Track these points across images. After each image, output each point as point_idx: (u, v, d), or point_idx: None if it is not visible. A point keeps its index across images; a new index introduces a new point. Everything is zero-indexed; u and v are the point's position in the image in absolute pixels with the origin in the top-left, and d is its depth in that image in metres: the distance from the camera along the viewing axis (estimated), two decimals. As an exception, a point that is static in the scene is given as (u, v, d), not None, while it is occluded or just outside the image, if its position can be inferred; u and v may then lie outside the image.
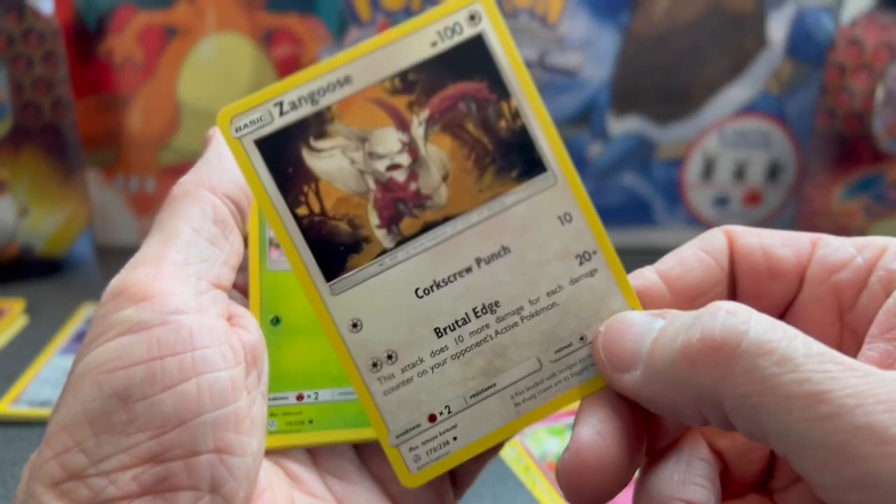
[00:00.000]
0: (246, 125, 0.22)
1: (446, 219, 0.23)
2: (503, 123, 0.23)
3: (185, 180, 0.24)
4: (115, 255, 0.67)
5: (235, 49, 0.58)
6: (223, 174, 0.25)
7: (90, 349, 0.21)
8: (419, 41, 0.23)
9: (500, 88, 0.23)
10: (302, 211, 0.23)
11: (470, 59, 0.23)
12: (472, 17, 0.23)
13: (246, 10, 0.57)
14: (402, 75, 0.23)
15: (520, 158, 0.23)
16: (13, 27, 0.53)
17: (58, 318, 0.52)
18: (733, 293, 0.24)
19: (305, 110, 0.23)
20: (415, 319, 0.23)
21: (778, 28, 0.58)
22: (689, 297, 0.23)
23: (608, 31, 0.58)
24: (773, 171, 0.62)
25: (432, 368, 0.23)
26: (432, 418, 0.23)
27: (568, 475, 0.21)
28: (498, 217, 0.23)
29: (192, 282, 0.22)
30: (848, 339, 0.23)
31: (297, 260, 0.23)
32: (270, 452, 0.25)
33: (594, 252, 0.24)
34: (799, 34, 0.58)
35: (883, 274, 0.22)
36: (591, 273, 0.23)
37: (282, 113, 0.22)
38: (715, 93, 0.60)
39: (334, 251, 0.23)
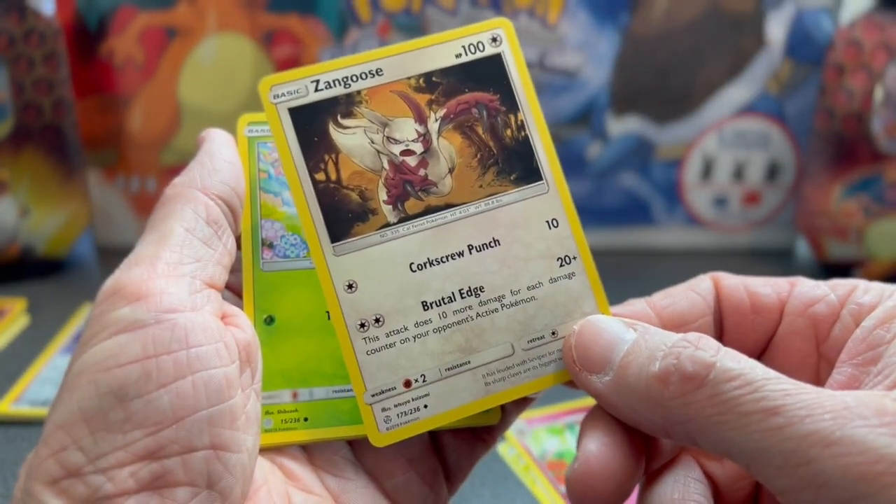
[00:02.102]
0: (284, 94, 0.25)
1: (448, 206, 0.26)
2: (509, 132, 0.26)
3: (178, 181, 0.25)
4: (116, 256, 0.67)
5: (236, 50, 0.58)
6: (215, 175, 0.25)
7: (86, 348, 0.21)
8: (447, 51, 0.26)
9: (510, 102, 0.26)
10: (320, 176, 0.25)
11: (488, 73, 0.26)
12: (494, 39, 0.26)
13: (246, 11, 0.57)
14: (427, 76, 0.26)
15: (520, 165, 0.26)
16: (14, 28, 0.53)
17: (59, 317, 0.52)
18: (720, 330, 0.26)
19: (337, 91, 0.26)
20: (405, 290, 0.25)
21: (777, 28, 0.58)
22: (675, 326, 0.25)
23: (607, 31, 0.58)
24: (772, 172, 0.62)
25: (414, 338, 0.25)
26: (408, 384, 0.25)
27: (577, 484, 0.22)
28: (493, 212, 0.26)
29: (186, 281, 0.22)
30: (824, 367, 0.25)
31: (308, 219, 0.25)
32: (266, 450, 0.25)
33: (574, 257, 0.26)
34: (798, 35, 0.59)
35: (854, 308, 0.24)
36: (570, 276, 0.26)
37: (317, 89, 0.25)
38: (714, 93, 0.60)
39: (342, 217, 0.25)
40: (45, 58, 0.54)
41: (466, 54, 0.26)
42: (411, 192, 0.25)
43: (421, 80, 0.26)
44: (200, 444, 0.21)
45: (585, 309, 0.25)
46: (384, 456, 0.26)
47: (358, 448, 0.27)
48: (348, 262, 0.25)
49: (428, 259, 0.25)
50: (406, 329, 0.25)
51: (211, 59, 0.58)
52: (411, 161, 0.26)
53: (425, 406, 0.25)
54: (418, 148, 0.26)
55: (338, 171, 0.25)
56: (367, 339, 0.24)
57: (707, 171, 0.62)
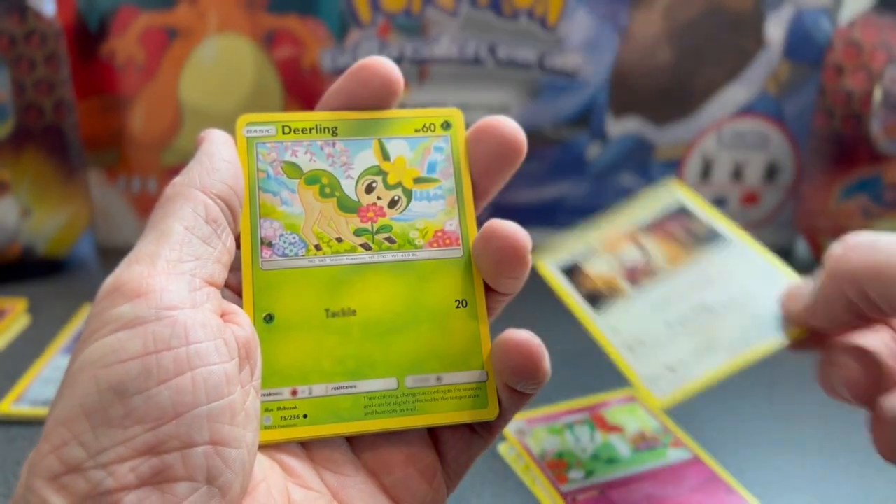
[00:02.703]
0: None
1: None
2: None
3: (177, 181, 0.25)
4: (117, 256, 0.67)
5: (237, 50, 0.58)
6: (214, 175, 0.25)
7: (87, 345, 0.21)
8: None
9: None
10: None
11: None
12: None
13: (247, 12, 0.57)
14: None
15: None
16: (15, 28, 0.53)
17: (60, 317, 0.53)
18: None
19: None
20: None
21: (776, 29, 0.58)
22: None
23: (607, 32, 0.58)
24: (772, 172, 0.63)
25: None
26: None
27: None
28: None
29: (185, 279, 0.23)
30: None
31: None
32: (266, 447, 0.25)
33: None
34: (797, 35, 0.59)
35: None
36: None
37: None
38: (713, 94, 0.60)
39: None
40: (46, 58, 0.55)
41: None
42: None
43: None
44: (200, 440, 0.21)
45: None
46: (383, 452, 0.26)
47: (357, 445, 0.27)
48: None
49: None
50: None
51: (212, 60, 0.58)
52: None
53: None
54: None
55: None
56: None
57: (706, 171, 0.62)
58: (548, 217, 0.63)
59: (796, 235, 0.64)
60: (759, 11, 0.58)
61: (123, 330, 0.21)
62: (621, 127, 0.61)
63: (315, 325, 0.27)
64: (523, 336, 0.26)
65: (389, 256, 0.28)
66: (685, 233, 0.39)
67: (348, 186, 0.28)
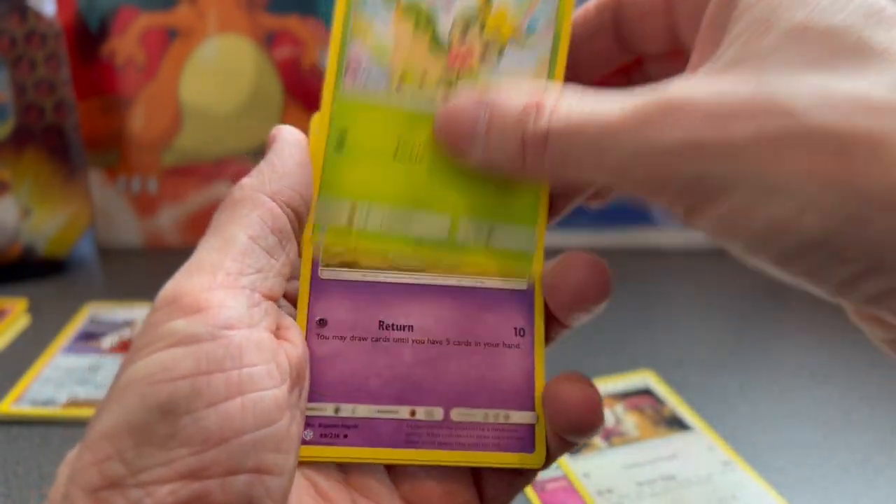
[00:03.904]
0: None
1: None
2: None
3: (246, 183, 0.24)
4: (117, 256, 0.67)
5: (237, 50, 0.58)
6: (284, 180, 0.24)
7: (138, 357, 0.21)
8: None
9: None
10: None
11: None
12: None
13: (247, 12, 0.57)
14: None
15: None
16: (16, 29, 0.53)
17: (60, 317, 0.53)
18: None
19: None
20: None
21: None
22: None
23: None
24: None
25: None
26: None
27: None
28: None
29: (245, 294, 0.22)
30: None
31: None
32: (302, 464, 0.24)
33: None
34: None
35: None
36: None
37: None
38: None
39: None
40: (47, 59, 0.55)
41: None
42: None
43: None
44: (244, 468, 0.20)
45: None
46: (422, 485, 0.26)
47: (395, 473, 0.26)
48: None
49: None
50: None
51: (212, 60, 0.58)
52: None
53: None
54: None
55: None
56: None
57: (707, 171, 0.62)
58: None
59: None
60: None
61: (177, 346, 0.20)
62: (621, 127, 0.61)
63: (386, 157, 0.26)
64: (581, 393, 0.25)
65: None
66: (654, 412, 0.43)
67: (444, 25, 0.27)
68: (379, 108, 0.26)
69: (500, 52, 0.27)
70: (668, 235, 0.64)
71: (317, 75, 0.59)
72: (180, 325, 0.20)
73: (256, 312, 0.22)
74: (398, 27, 0.26)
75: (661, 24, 0.27)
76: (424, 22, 0.27)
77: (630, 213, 0.63)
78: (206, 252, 0.22)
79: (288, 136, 0.25)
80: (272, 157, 0.25)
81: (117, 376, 0.21)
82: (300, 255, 0.26)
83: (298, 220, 0.24)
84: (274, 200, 0.24)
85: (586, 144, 0.22)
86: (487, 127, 0.25)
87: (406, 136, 0.26)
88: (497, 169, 0.25)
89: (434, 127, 0.26)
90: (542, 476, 0.39)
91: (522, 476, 0.26)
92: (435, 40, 0.27)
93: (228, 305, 0.21)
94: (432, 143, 0.26)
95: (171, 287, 0.21)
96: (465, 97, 0.25)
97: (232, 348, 0.21)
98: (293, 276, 0.26)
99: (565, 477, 0.38)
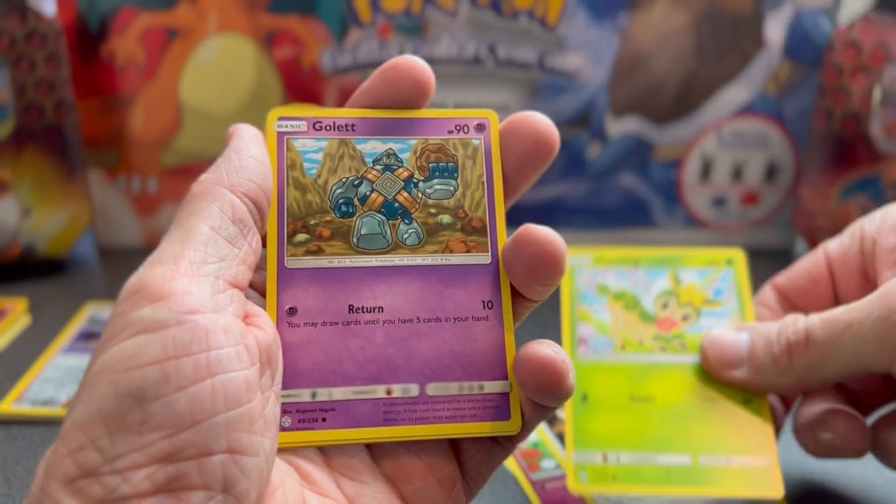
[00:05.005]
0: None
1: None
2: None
3: (205, 178, 0.25)
4: (117, 256, 0.67)
5: (237, 50, 0.58)
6: (242, 173, 0.25)
7: (106, 347, 0.21)
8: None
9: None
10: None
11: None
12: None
13: (247, 12, 0.57)
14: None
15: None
16: (15, 29, 0.53)
17: (60, 317, 0.53)
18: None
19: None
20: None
21: (775, 29, 0.59)
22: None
23: (607, 32, 0.58)
24: (771, 172, 0.63)
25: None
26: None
27: None
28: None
29: (209, 281, 0.22)
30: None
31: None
32: (283, 450, 0.25)
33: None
34: (796, 35, 0.59)
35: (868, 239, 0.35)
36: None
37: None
38: (713, 94, 0.60)
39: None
40: (47, 59, 0.55)
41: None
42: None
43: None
44: (217, 448, 0.21)
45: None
46: (402, 461, 0.26)
47: (376, 452, 0.26)
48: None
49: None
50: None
51: (212, 60, 0.58)
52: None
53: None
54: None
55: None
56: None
57: (706, 171, 0.62)
58: (547, 217, 0.63)
59: (795, 235, 0.64)
60: (758, 11, 0.58)
61: (144, 334, 0.21)
62: (621, 127, 0.61)
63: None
64: (547, 352, 0.25)
65: None
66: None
67: (647, 303, 0.36)
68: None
69: (698, 315, 0.36)
70: (668, 236, 0.64)
71: (317, 75, 0.59)
72: (146, 312, 0.21)
73: (222, 298, 0.22)
74: (612, 308, 0.36)
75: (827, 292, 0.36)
76: (632, 303, 0.36)
77: (629, 214, 0.64)
78: (169, 244, 0.23)
79: (245, 133, 0.26)
80: (229, 153, 0.26)
81: (88, 368, 0.21)
82: (265, 245, 0.26)
83: (259, 210, 0.25)
84: (232, 192, 0.24)
85: (846, 334, 0.30)
86: (750, 343, 0.33)
87: (635, 383, 0.34)
88: (760, 377, 0.33)
89: (701, 355, 0.35)
90: (542, 476, 0.39)
91: (501, 446, 0.27)
92: (643, 314, 0.36)
93: (192, 292, 0.22)
94: (658, 387, 0.34)
95: (135, 278, 0.22)
96: (722, 328, 0.35)
97: (198, 332, 0.21)
98: (261, 266, 0.26)
99: (565, 476, 0.39)
